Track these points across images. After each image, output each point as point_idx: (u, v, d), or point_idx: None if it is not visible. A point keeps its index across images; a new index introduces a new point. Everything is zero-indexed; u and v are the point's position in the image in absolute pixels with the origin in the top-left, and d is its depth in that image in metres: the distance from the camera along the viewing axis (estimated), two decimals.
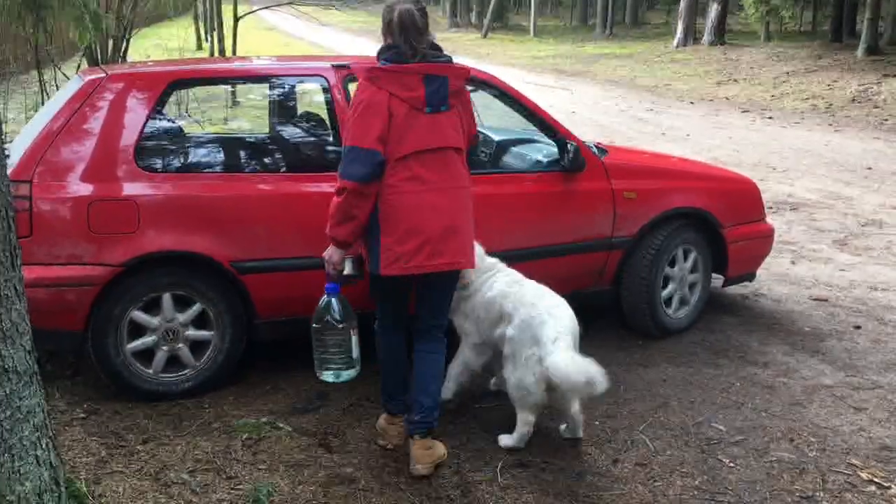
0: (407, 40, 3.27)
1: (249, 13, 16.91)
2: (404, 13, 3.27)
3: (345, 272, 3.46)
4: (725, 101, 17.40)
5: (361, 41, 31.50)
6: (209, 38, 23.73)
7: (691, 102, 17.33)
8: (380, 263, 3.32)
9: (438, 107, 3.30)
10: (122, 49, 14.39)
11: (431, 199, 3.30)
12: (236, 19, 16.03)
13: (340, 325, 3.51)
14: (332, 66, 4.35)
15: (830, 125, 14.22)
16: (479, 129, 3.77)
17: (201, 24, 27.09)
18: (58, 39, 14.95)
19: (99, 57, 14.10)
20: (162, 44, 19.28)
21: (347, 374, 3.61)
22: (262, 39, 28.15)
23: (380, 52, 3.38)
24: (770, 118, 15.08)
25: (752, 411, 4.08)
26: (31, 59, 12.19)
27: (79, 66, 11.15)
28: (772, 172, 10.12)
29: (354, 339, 3.55)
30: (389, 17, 3.31)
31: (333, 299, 3.52)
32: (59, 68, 11.29)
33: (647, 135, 12.78)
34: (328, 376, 3.63)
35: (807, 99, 16.61)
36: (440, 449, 3.55)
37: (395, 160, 3.27)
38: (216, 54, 20.03)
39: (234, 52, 16.95)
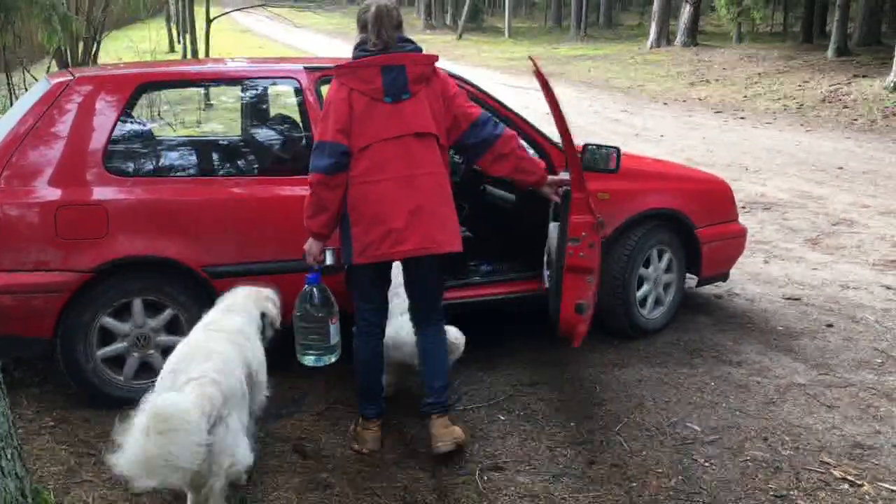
0: (378, 33, 3.39)
1: (222, 14, 16.82)
2: (381, 7, 3.41)
3: (325, 263, 3.60)
4: (698, 101, 17.53)
5: (336, 43, 31.39)
6: (182, 41, 23.52)
7: (665, 103, 17.45)
8: (352, 253, 3.45)
9: (399, 95, 3.38)
10: (93, 51, 14.27)
11: (393, 187, 3.37)
12: (209, 21, 15.91)
13: (320, 314, 3.57)
14: (305, 68, 4.32)
15: (802, 125, 14.38)
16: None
17: (174, 27, 26.87)
18: (27, 42, 14.77)
19: (69, 59, 13.96)
20: (134, 46, 19.12)
21: (327, 359, 3.66)
22: (235, 42, 27.97)
23: (353, 51, 3.51)
24: (742, 118, 15.22)
25: (726, 410, 4.10)
26: None
27: (48, 69, 11.03)
28: (744, 172, 10.20)
29: (334, 326, 3.61)
30: (365, 12, 3.43)
31: (314, 289, 3.58)
32: (28, 71, 11.16)
33: (622, 136, 12.82)
34: (309, 361, 3.66)
35: (778, 99, 16.77)
36: (459, 431, 3.59)
37: (357, 151, 3.37)
38: (189, 56, 19.89)
39: (207, 54, 16.84)
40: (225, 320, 3.30)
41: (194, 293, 4.01)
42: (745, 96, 17.54)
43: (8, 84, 11.05)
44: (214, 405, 2.67)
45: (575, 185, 3.88)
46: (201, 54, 17.56)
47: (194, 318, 3.94)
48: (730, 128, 14.13)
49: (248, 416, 2.97)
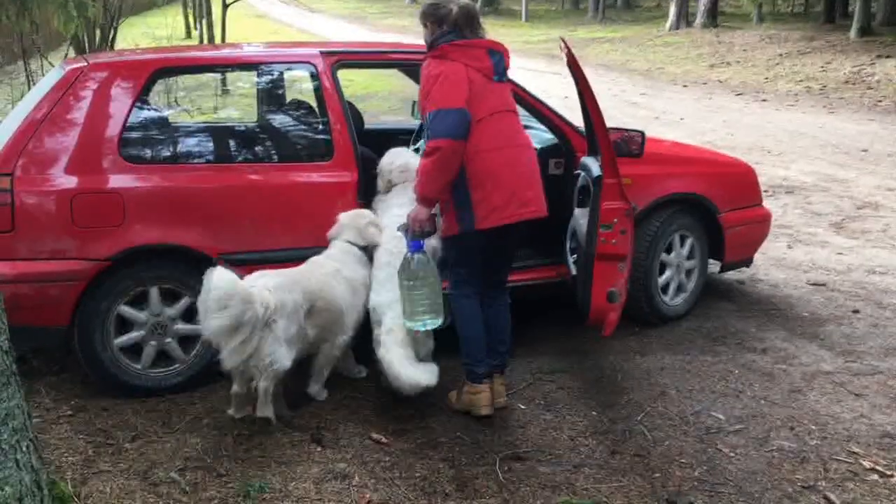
0: (472, 28, 3.65)
1: (238, 0, 16.73)
2: (469, 6, 3.69)
3: (432, 230, 3.68)
4: (719, 84, 17.30)
5: (352, 28, 31.25)
6: (198, 26, 23.51)
7: (684, 86, 17.24)
8: (475, 219, 3.55)
9: (502, 76, 3.69)
10: (110, 37, 14.26)
11: (510, 154, 3.62)
12: (225, 6, 15.87)
13: (429, 278, 3.60)
14: (321, 52, 4.26)
15: (825, 107, 14.15)
16: None
17: (190, 12, 26.84)
18: (45, 29, 14.79)
19: (86, 45, 13.97)
20: (150, 32, 19.11)
21: (433, 322, 3.67)
22: (252, 27, 27.91)
23: (438, 38, 3.64)
24: (764, 101, 15.00)
25: (751, 399, 4.02)
26: (17, 50, 12.04)
27: (66, 56, 11.02)
28: (767, 155, 10.05)
29: (440, 290, 3.65)
30: (447, 9, 3.64)
31: (419, 255, 3.60)
32: (46, 58, 11.16)
33: (641, 119, 12.68)
34: (417, 325, 3.66)
35: (800, 81, 16.52)
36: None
37: (476, 122, 3.52)
38: (205, 42, 19.85)
39: (223, 39, 16.79)
40: (321, 254, 3.94)
41: None
42: (767, 78, 17.29)
43: (26, 71, 11.06)
44: (271, 306, 3.41)
45: (607, 170, 3.81)
46: (217, 40, 17.52)
47: None
48: (751, 110, 13.94)
49: (295, 329, 3.56)
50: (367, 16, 36.72)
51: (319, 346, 3.84)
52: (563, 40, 3.80)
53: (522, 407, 3.94)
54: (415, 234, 3.61)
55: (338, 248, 4.01)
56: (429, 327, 3.69)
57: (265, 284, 3.49)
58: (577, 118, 4.48)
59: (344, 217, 4.06)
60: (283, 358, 3.50)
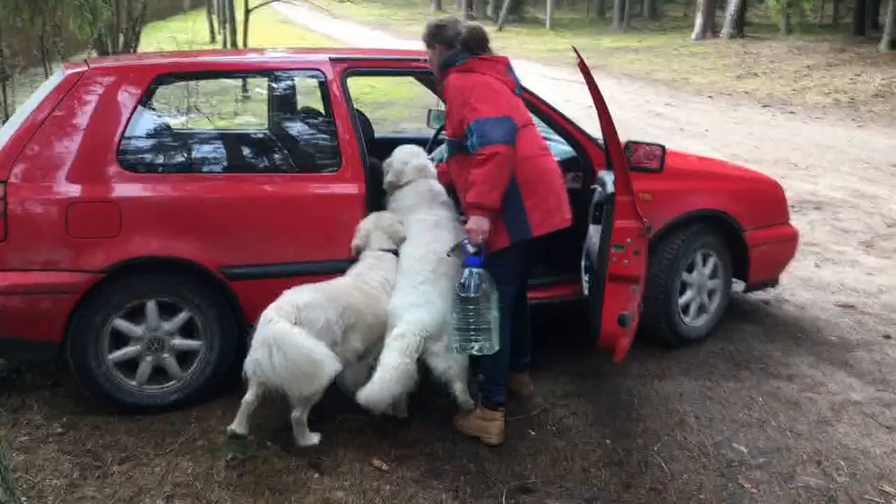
0: (482, 49, 3.64)
1: (263, 5, 16.70)
2: (478, 29, 3.70)
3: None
4: (745, 95, 17.01)
5: (376, 34, 31.23)
6: (222, 31, 23.50)
7: (710, 97, 16.97)
8: (530, 226, 3.50)
9: (520, 90, 3.72)
10: (134, 41, 14.23)
11: (548, 160, 3.68)
12: (247, 11, 15.81)
13: (491, 298, 3.44)
14: (330, 59, 4.10)
15: (854, 120, 13.85)
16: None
17: (215, 17, 26.90)
18: (68, 32, 14.79)
19: (109, 49, 13.93)
20: (175, 36, 19.09)
21: (489, 347, 3.47)
22: (276, 32, 27.91)
23: (454, 56, 3.62)
24: (791, 113, 14.71)
25: (775, 430, 3.81)
26: (37, 53, 12.01)
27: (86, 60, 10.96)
28: (794, 170, 9.79)
29: (498, 312, 3.48)
30: (455, 31, 3.66)
31: (480, 272, 3.43)
32: (67, 61, 11.10)
33: (665, 130, 12.47)
34: (472, 349, 3.47)
35: (829, 93, 16.21)
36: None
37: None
38: (228, 47, 19.84)
39: (245, 44, 16.75)
40: (372, 276, 3.82)
41: (210, 295, 3.82)
42: (794, 90, 16.99)
43: (46, 75, 11.02)
44: (293, 307, 3.39)
45: (620, 187, 3.61)
46: (240, 45, 17.48)
47: (211, 321, 3.80)
48: (778, 122, 13.66)
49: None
50: (391, 22, 36.71)
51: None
52: (576, 50, 3.62)
53: (533, 433, 3.75)
54: (476, 247, 3.43)
55: (373, 257, 3.88)
56: (484, 352, 3.48)
57: (293, 301, 3.41)
58: (597, 129, 4.29)
59: (367, 223, 3.93)
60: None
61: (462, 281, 3.43)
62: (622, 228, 3.60)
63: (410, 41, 25.52)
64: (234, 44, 19.36)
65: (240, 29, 17.07)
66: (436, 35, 3.69)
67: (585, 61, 3.55)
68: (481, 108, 3.41)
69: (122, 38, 13.62)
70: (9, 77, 10.08)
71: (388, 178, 4.04)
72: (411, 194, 3.98)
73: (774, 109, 15.14)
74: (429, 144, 5.33)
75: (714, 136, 12.08)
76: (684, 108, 15.25)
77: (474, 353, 3.48)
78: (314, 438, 3.54)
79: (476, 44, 3.62)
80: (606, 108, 3.55)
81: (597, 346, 3.78)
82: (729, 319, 5.00)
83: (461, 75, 3.55)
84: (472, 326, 3.43)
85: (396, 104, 14.51)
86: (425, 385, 3.71)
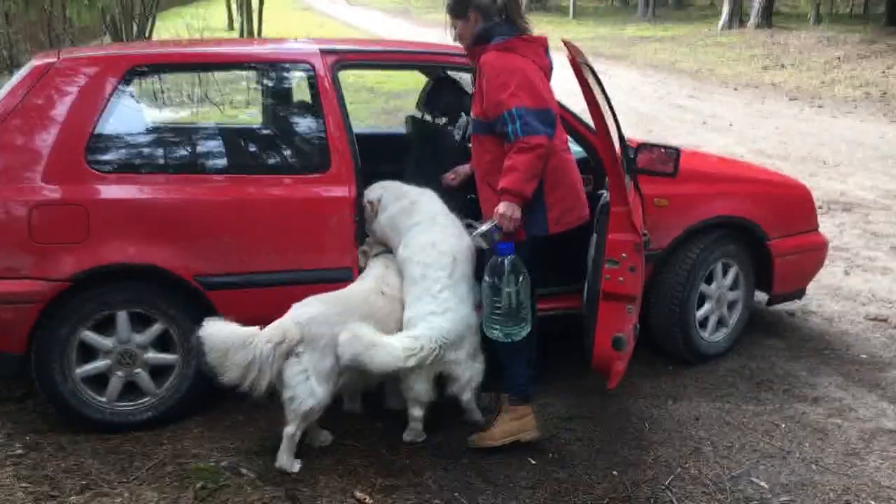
0: (519, 14, 3.41)
1: None
2: None
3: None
4: (772, 87, 16.50)
5: (396, 22, 30.87)
6: (240, 18, 23.28)
7: (735, 89, 16.47)
8: (548, 221, 3.35)
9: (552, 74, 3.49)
10: (148, 28, 14.01)
11: (570, 157, 3.51)
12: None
13: (517, 286, 3.25)
14: (320, 50, 3.79)
15: (886, 115, 13.33)
16: None
17: (233, 3, 26.69)
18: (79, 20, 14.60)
19: (123, 36, 13.72)
20: (189, 24, 18.86)
21: (523, 332, 3.33)
22: (295, 20, 27.64)
23: (493, 29, 3.36)
24: (820, 107, 14.21)
25: (800, 462, 3.47)
26: (44, 40, 11.82)
27: None
28: (822, 167, 9.37)
29: (528, 298, 3.32)
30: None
31: (510, 258, 3.25)
32: (39, 52, 10.86)
33: (688, 123, 12.06)
34: (497, 334, 3.33)
35: (860, 86, 15.67)
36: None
37: None
38: (245, 35, 19.64)
39: (259, 33, 16.51)
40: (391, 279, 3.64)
41: (186, 306, 3.54)
42: (823, 83, 16.45)
43: None
44: (284, 335, 3.17)
45: (615, 197, 3.26)
46: (256, 33, 17.25)
47: (186, 333, 3.51)
48: (806, 117, 13.18)
49: (331, 364, 3.24)
50: (412, 9, 36.31)
51: None
52: (567, 43, 3.28)
53: (533, 462, 3.44)
54: (507, 233, 3.26)
55: (383, 262, 3.71)
56: (520, 337, 3.34)
57: (295, 316, 3.24)
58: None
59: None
60: (307, 396, 3.20)
61: (492, 267, 3.27)
62: (617, 242, 3.26)
63: (430, 28, 25.14)
64: (251, 32, 19.16)
65: (256, 17, 16.88)
66: (470, 2, 3.38)
67: (576, 57, 3.20)
68: (524, 96, 3.21)
69: (135, 26, 13.44)
70: (19, 65, 9.89)
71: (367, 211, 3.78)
72: (391, 207, 3.73)
73: (802, 103, 14.64)
74: None
75: (739, 130, 11.65)
76: (708, 100, 14.79)
77: (514, 339, 3.33)
78: (295, 466, 3.27)
79: (515, 10, 3.38)
80: (600, 108, 3.20)
81: (591, 367, 3.46)
82: (750, 333, 4.66)
83: (502, 54, 3.30)
84: (503, 313, 3.29)
85: (412, 94, 14.18)
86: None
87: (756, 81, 17.26)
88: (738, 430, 3.74)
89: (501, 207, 3.24)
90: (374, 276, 3.61)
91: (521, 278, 3.27)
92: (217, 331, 3.12)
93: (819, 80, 16.74)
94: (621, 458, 3.48)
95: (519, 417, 3.49)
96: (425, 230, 3.65)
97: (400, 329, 3.46)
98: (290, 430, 3.24)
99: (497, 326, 3.32)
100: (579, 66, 3.16)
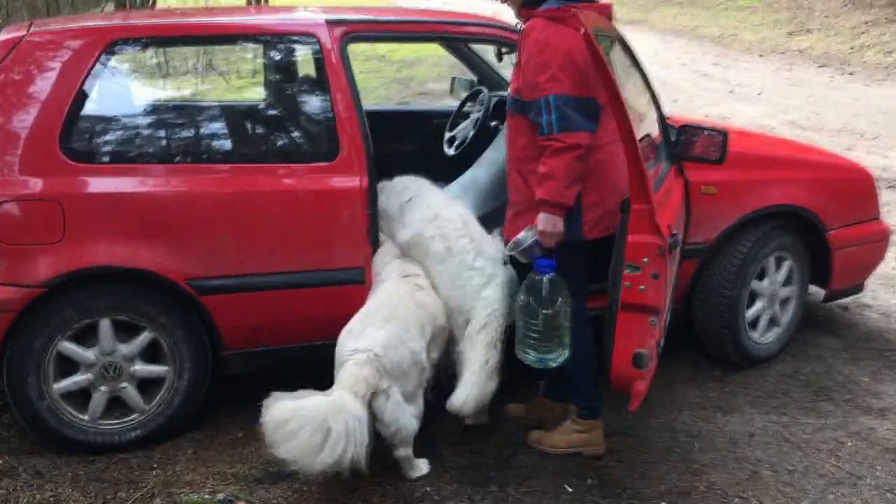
0: None
1: None
2: None
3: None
4: (799, 54, 15.83)
5: None
6: None
7: (760, 55, 15.81)
8: (583, 225, 2.95)
9: None
10: None
11: (618, 151, 2.82)
12: None
13: (556, 307, 2.92)
14: (326, 21, 3.33)
15: None
16: None
17: None
18: None
19: (127, 3, 13.22)
20: None
21: (555, 359, 2.99)
22: None
23: None
24: (851, 74, 13.57)
25: (873, 491, 3.05)
26: (42, 6, 11.40)
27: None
28: (860, 140, 8.83)
29: (568, 320, 2.97)
30: None
31: (549, 277, 2.90)
32: (11, 23, 10.42)
33: (714, 93, 11.51)
34: (532, 360, 3.00)
35: (891, 52, 14.95)
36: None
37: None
38: (254, 2, 19.09)
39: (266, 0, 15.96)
40: (414, 269, 3.29)
41: (177, 312, 3.14)
42: (853, 48, 15.75)
43: None
44: (369, 384, 2.76)
45: (635, 192, 2.75)
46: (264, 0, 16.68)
47: (179, 343, 3.13)
48: (837, 85, 12.57)
49: (419, 382, 2.98)
50: None
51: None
52: (579, 11, 2.72)
53: (570, 490, 3.03)
54: (546, 250, 2.90)
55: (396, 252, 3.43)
56: (556, 364, 3.01)
57: (370, 344, 2.84)
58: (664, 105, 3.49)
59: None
60: (409, 421, 2.92)
61: (529, 286, 2.92)
62: (638, 245, 2.74)
63: None
64: (258, 1, 18.57)
65: None
66: None
67: (590, 32, 2.63)
68: (566, 81, 2.78)
69: None
70: None
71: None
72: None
73: (832, 70, 14.00)
74: (451, 118, 4.58)
75: (769, 99, 11.08)
76: (733, 67, 14.18)
77: (552, 365, 3.00)
78: (423, 468, 3.04)
79: None
80: (615, 87, 2.62)
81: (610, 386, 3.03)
82: (801, 331, 4.22)
83: (549, 25, 2.85)
84: (544, 339, 2.96)
85: (425, 62, 13.66)
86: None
87: (782, 47, 16.57)
88: (799, 449, 3.32)
89: (541, 222, 2.84)
90: (399, 274, 3.24)
91: (560, 299, 2.87)
92: (282, 412, 2.63)
93: (848, 45, 16.03)
94: (669, 486, 3.07)
95: (585, 431, 3.22)
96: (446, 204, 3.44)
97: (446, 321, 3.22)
98: (402, 453, 2.98)
99: (530, 351, 2.95)
100: (592, 39, 2.61)
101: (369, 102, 9.74)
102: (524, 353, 2.99)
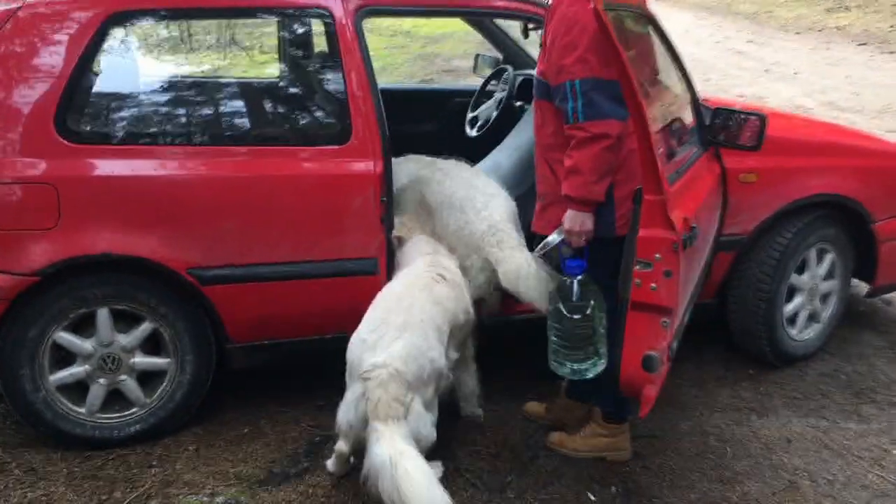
0: None
1: None
2: None
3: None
4: (837, 31, 15.35)
5: None
6: None
7: (797, 33, 15.36)
8: (614, 222, 2.68)
9: None
10: None
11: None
12: None
13: (587, 312, 2.70)
14: None
15: None
16: None
17: None
18: None
19: None
20: None
21: (590, 369, 2.76)
22: None
23: None
24: (891, 53, 13.10)
25: None
26: None
27: None
28: None
29: (603, 327, 2.75)
30: None
31: (580, 279, 2.68)
32: None
33: (749, 71, 11.16)
34: (566, 371, 2.78)
35: None
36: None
37: None
38: None
39: None
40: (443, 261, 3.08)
41: (179, 303, 2.97)
42: (892, 26, 15.22)
43: None
44: (401, 401, 2.53)
45: (647, 182, 2.48)
46: None
47: (180, 335, 2.97)
48: (877, 64, 12.13)
49: (436, 388, 2.75)
50: None
51: (458, 371, 3.10)
52: None
53: (593, 499, 2.84)
54: (576, 250, 2.70)
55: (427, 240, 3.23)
56: (592, 374, 2.77)
57: (389, 358, 2.58)
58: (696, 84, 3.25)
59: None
60: (430, 432, 2.68)
61: (558, 289, 2.73)
62: (649, 239, 2.49)
63: None
64: None
65: None
66: None
67: (598, 6, 2.34)
68: (595, 63, 2.51)
69: None
70: None
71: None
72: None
73: (872, 49, 13.53)
74: (474, 97, 4.37)
75: (805, 79, 10.72)
76: (769, 45, 13.77)
77: (588, 375, 2.76)
78: (437, 471, 2.71)
79: None
80: (627, 69, 2.37)
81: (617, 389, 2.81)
82: (841, 327, 3.97)
83: (578, 0, 2.55)
84: (574, 347, 2.74)
85: (451, 38, 13.38)
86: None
87: (819, 25, 16.09)
88: (840, 457, 3.10)
89: (567, 220, 2.62)
90: (427, 263, 3.04)
91: (592, 303, 2.65)
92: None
93: (888, 23, 15.50)
94: (700, 495, 2.87)
95: (610, 434, 3.03)
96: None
97: (469, 315, 3.05)
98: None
99: (562, 360, 2.74)
100: (601, 12, 2.28)
101: (392, 80, 9.60)
102: (558, 364, 2.78)
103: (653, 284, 2.44)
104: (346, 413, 2.63)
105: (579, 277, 2.66)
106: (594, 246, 2.69)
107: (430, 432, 2.65)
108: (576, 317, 2.66)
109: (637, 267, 2.46)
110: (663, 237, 2.42)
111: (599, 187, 2.59)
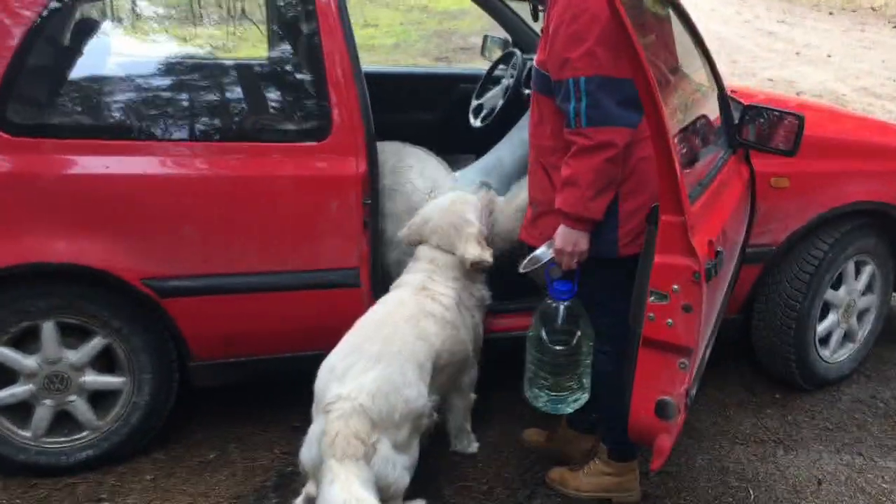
0: None
1: None
2: None
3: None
4: (871, 12, 14.79)
5: None
6: None
7: (830, 13, 14.82)
8: (617, 240, 2.33)
9: None
10: None
11: None
12: None
13: (571, 343, 2.40)
14: None
15: None
16: None
17: None
18: None
19: None
20: None
21: (572, 403, 2.48)
22: None
23: None
24: None
25: None
26: None
27: None
28: None
29: (588, 357, 2.45)
30: None
31: (566, 305, 2.36)
32: None
33: (779, 53, 10.68)
34: (543, 403, 2.49)
35: None
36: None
37: None
38: None
39: None
40: (434, 287, 2.67)
41: (134, 316, 2.65)
42: None
43: None
44: (362, 440, 2.22)
45: (665, 201, 2.08)
46: None
47: (136, 352, 2.64)
48: None
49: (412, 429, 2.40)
50: None
51: (449, 400, 2.80)
52: None
53: None
54: (566, 272, 2.36)
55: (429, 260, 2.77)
56: (570, 409, 2.52)
57: (355, 391, 2.27)
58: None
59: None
60: (401, 475, 2.35)
61: (542, 314, 2.40)
62: (666, 267, 2.09)
63: None
64: None
65: None
66: None
67: None
68: (604, 59, 2.15)
69: None
70: None
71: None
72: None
73: None
74: (480, 84, 3.99)
75: (838, 62, 10.23)
76: (800, 26, 13.25)
77: (568, 410, 2.50)
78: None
79: None
80: (642, 63, 1.97)
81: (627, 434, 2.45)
82: (879, 346, 3.60)
83: None
84: (557, 378, 2.44)
85: (470, 14, 12.92)
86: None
87: (853, 5, 15.52)
88: (877, 501, 2.74)
89: (559, 237, 2.27)
90: (416, 286, 2.66)
91: (578, 332, 2.33)
92: None
93: None
94: None
95: (617, 474, 2.69)
96: None
97: (462, 348, 2.69)
98: None
99: (539, 391, 2.42)
100: (616, 4, 1.95)
101: (407, 58, 9.19)
102: (533, 394, 2.46)
103: (669, 320, 2.06)
104: (308, 450, 2.29)
105: (567, 303, 2.32)
106: (595, 268, 2.34)
107: (400, 475, 2.31)
108: (558, 348, 2.33)
109: (651, 299, 2.08)
110: (683, 265, 2.04)
111: (597, 204, 2.23)
